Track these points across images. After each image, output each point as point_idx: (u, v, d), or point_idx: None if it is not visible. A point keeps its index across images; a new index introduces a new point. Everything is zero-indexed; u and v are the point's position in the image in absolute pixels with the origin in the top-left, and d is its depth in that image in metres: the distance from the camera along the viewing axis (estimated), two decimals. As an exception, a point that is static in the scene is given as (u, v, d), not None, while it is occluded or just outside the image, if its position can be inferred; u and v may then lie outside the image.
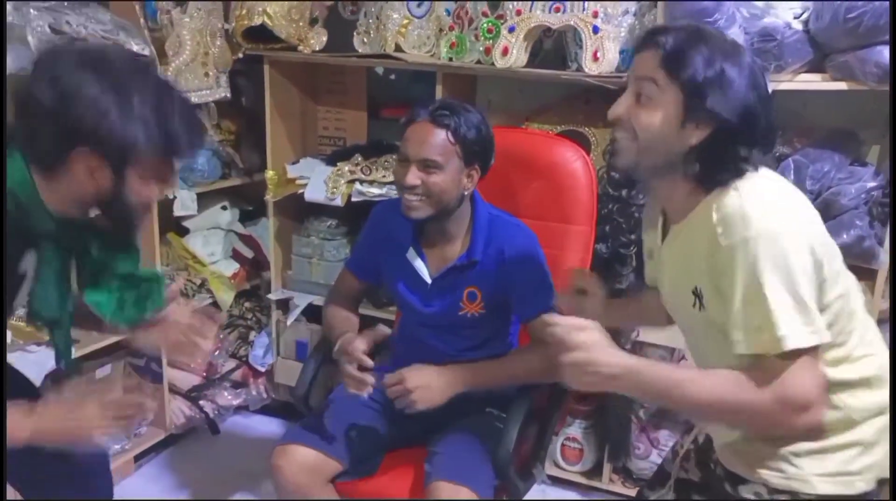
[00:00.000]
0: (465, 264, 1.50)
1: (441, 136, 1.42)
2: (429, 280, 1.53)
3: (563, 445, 2.22)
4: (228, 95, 2.31)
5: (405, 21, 2.13)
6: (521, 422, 1.39)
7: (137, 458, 2.29)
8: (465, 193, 1.48)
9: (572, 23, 1.88)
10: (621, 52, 1.90)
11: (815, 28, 1.74)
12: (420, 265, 1.54)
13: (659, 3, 1.83)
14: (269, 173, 2.34)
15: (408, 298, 1.58)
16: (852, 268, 1.81)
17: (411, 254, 1.55)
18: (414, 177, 1.42)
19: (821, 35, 1.74)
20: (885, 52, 1.65)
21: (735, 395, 1.00)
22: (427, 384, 1.40)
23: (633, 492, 2.14)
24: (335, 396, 1.62)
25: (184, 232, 2.49)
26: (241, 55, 2.30)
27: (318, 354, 1.69)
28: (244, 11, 2.20)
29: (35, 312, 1.21)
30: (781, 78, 1.77)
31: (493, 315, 1.53)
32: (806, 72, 1.78)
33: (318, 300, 2.35)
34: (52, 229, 1.12)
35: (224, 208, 2.57)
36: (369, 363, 1.39)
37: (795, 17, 1.78)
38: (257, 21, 2.16)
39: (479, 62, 2.04)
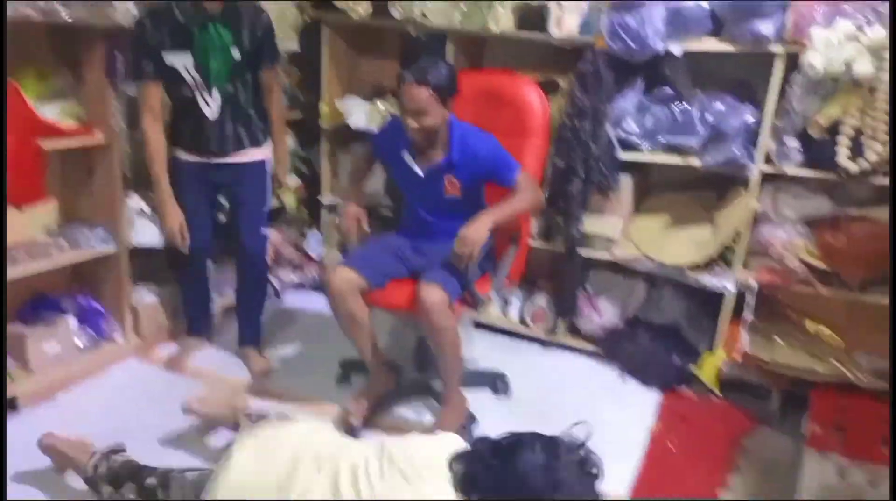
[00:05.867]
0: (444, 163, 2.25)
1: (425, 93, 2.10)
2: (421, 174, 2.30)
3: (532, 311, 3.01)
4: (298, 49, 3.10)
5: (429, -5, 2.89)
6: (483, 256, 2.17)
7: (226, 310, 3.14)
8: (445, 118, 2.22)
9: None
10: (581, 23, 2.63)
11: (713, 6, 2.45)
12: (414, 165, 2.29)
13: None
14: (323, 107, 3.14)
15: (407, 187, 2.38)
16: (730, 176, 2.55)
17: (408, 157, 2.30)
18: (413, 123, 2.15)
19: (717, 11, 2.45)
20: (757, 23, 2.35)
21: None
22: (473, 233, 2.11)
23: (581, 344, 2.92)
24: (365, 247, 2.42)
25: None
26: (307, 19, 3.09)
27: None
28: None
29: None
30: (691, 41, 2.50)
31: (467, 198, 2.30)
32: (708, 37, 2.49)
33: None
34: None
35: (289, 135, 3.38)
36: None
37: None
38: (321, -6, 2.96)
39: (481, 27, 2.79)
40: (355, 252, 2.38)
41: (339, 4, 2.98)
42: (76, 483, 1.98)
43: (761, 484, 2.15)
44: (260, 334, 2.87)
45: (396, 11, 2.94)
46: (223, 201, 2.81)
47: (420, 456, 1.41)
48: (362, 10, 3.02)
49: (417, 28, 2.91)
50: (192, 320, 2.89)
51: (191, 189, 2.57)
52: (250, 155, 2.58)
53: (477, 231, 2.13)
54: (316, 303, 3.38)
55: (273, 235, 3.33)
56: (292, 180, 3.39)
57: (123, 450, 1.91)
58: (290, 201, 3.32)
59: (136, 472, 1.79)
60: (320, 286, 3.47)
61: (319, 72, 3.17)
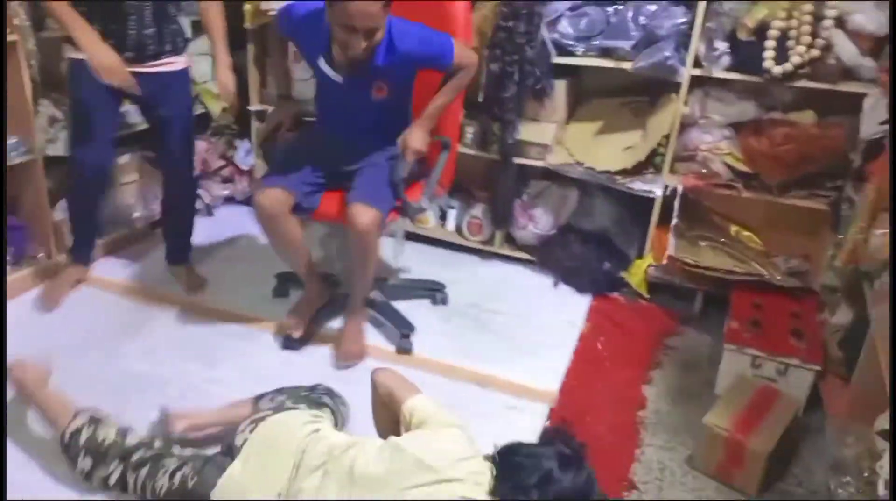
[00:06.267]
0: (370, 70, 2.04)
1: (377, 6, 1.84)
2: (340, 82, 2.08)
3: (468, 222, 3.02)
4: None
5: None
6: (412, 163, 2.15)
7: (153, 225, 3.05)
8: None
9: None
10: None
11: None
12: (330, 72, 2.07)
13: None
14: (247, 6, 2.95)
15: (326, 91, 2.18)
16: (661, 81, 2.54)
17: (324, 65, 2.07)
18: (362, 43, 1.87)
19: None
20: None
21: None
22: (416, 140, 2.10)
23: (517, 253, 2.97)
24: (287, 156, 2.27)
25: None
26: None
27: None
28: None
29: None
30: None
31: (396, 95, 2.17)
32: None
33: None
34: None
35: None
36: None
37: None
38: None
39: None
40: (279, 166, 2.27)
41: None
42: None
43: (682, 379, 2.28)
44: (190, 250, 2.78)
45: None
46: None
47: (432, 449, 1.38)
48: None
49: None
50: (79, 245, 2.60)
51: (94, 98, 2.27)
52: (171, 64, 2.36)
53: (419, 139, 2.11)
54: (248, 216, 3.29)
55: (200, 146, 3.19)
56: (216, 86, 3.21)
57: (104, 420, 1.69)
58: (213, 107, 3.17)
59: (125, 451, 1.60)
60: (251, 199, 3.37)
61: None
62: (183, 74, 2.43)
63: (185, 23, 2.94)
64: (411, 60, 2.09)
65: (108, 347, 2.29)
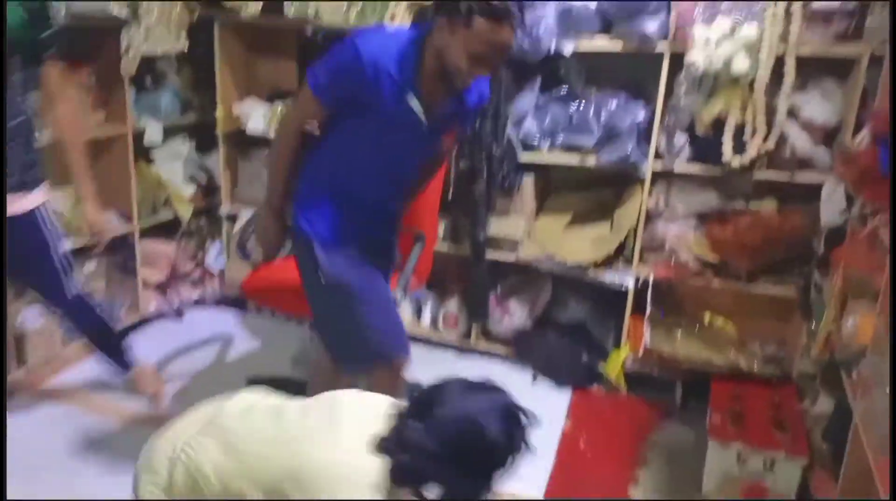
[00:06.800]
0: (460, 109, 1.71)
1: (512, 34, 1.53)
2: (425, 125, 1.66)
3: (444, 316, 2.98)
4: (186, 49, 2.90)
5: (323, -6, 2.78)
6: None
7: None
8: None
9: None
10: None
11: (599, 6, 2.48)
12: (420, 112, 1.63)
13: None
14: (219, 111, 2.99)
15: (384, 145, 1.70)
16: (625, 176, 2.59)
17: (414, 102, 1.61)
18: (484, 72, 1.59)
19: (604, 11, 2.48)
20: (642, 22, 2.39)
21: None
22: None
23: (494, 347, 2.92)
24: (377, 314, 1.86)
25: (151, 161, 3.11)
26: (192, 19, 2.91)
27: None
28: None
29: None
30: (582, 40, 2.52)
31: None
32: (600, 34, 2.52)
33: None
34: None
35: (183, 140, 3.21)
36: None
37: (591, -1, 2.51)
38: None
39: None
40: (391, 330, 1.90)
41: (226, 4, 2.84)
42: None
43: (669, 477, 2.21)
44: (124, 356, 2.39)
45: (290, 10, 2.83)
46: None
47: (348, 404, 1.32)
48: (252, 9, 2.88)
49: (313, 27, 2.80)
50: None
51: None
52: (10, 206, 1.90)
53: None
54: (218, 319, 3.23)
55: (169, 250, 3.15)
56: (187, 188, 3.22)
57: None
58: (184, 211, 3.16)
59: None
60: (222, 301, 3.32)
61: (212, 72, 3.00)
62: (28, 219, 1.96)
63: (158, 128, 2.97)
64: (481, 103, 1.80)
65: (67, 469, 2.16)
